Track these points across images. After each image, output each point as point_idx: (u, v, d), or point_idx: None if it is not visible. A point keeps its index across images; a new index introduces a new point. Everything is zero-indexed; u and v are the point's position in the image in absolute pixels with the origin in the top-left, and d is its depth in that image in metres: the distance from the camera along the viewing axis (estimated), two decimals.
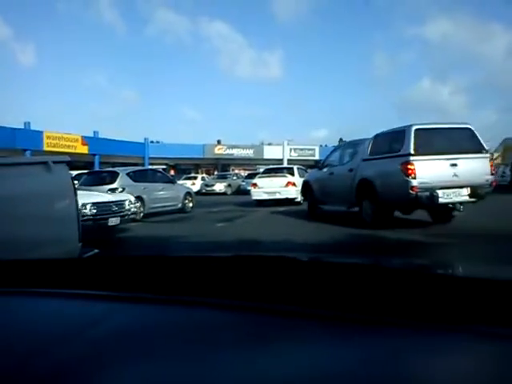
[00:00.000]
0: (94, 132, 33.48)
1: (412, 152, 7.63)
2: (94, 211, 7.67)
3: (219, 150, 42.24)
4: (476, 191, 7.83)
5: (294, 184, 15.99)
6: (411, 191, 7.46)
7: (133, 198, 9.17)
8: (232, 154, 42.50)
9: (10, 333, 0.78)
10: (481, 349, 0.66)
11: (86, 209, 7.40)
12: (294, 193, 15.79)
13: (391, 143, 8.33)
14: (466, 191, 7.76)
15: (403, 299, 0.78)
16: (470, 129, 8.23)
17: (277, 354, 0.65)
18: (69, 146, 29.34)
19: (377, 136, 9.03)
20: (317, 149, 44.96)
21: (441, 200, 7.59)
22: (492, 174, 8.24)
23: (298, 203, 15.26)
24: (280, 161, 33.15)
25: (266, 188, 16.10)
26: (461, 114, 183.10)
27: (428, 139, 7.91)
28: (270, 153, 41.88)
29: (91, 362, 0.65)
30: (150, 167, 23.22)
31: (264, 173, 18.33)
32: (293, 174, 16.81)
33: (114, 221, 8.15)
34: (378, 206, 8.13)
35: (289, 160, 33.93)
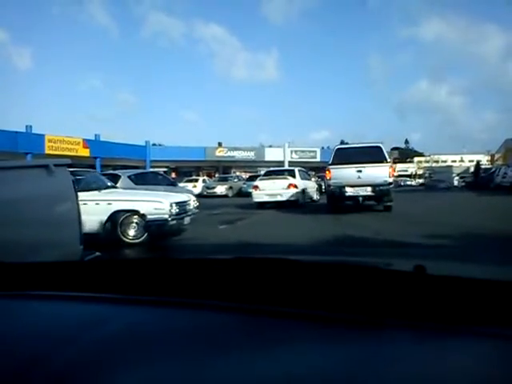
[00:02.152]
0: (96, 135, 33.51)
1: (330, 163, 12.36)
2: (178, 211, 7.54)
3: (220, 153, 42.26)
4: (376, 188, 11.64)
5: (295, 186, 15.97)
6: (328, 187, 12.31)
7: (193, 197, 9.10)
8: (233, 157, 42.52)
9: (12, 336, 0.79)
10: (478, 349, 0.67)
11: (173, 208, 7.38)
12: (296, 195, 15.78)
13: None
14: (369, 188, 11.70)
15: (400, 300, 0.78)
16: (378, 146, 12.51)
17: (276, 355, 0.65)
18: (70, 149, 29.38)
19: (335, 150, 13.29)
20: (318, 151, 44.96)
21: (349, 193, 11.83)
22: (390, 177, 11.85)
23: (301, 205, 15.25)
24: (281, 163, 33.10)
25: (268, 190, 16.04)
26: (461, 114, 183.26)
27: (343, 155, 12.27)
28: (271, 155, 41.87)
29: (93, 365, 0.65)
30: (152, 170, 23.22)
31: (265, 175, 18.28)
32: (294, 176, 16.79)
33: (187, 220, 7.97)
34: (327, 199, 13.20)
35: (290, 162, 33.88)
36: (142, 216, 7.37)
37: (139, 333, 0.76)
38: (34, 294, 0.98)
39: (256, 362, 0.64)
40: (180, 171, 41.77)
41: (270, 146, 47.67)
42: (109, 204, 7.46)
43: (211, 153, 41.79)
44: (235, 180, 30.59)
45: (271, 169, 20.56)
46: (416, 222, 9.24)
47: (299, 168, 18.64)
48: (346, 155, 12.19)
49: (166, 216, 7.30)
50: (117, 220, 7.40)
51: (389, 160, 12.42)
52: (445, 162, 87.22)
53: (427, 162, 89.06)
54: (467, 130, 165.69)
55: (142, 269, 1.03)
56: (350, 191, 11.79)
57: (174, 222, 7.44)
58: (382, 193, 11.72)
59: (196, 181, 31.49)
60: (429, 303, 0.77)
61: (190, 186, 24.78)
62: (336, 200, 12.31)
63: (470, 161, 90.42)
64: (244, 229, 9.80)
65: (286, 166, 26.86)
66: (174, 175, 33.13)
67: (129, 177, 11.61)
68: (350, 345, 0.69)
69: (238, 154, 42.71)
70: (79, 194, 7.31)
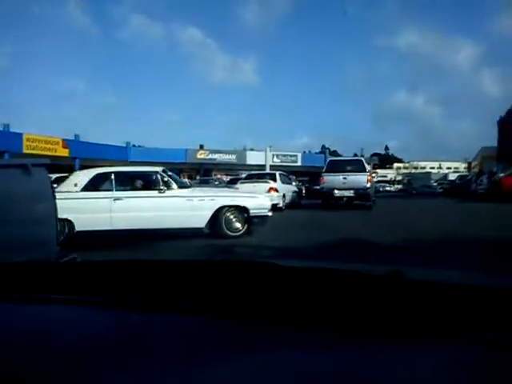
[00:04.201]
0: (75, 135, 33.03)
1: (324, 171, 16.45)
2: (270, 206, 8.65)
3: (202, 155, 42.07)
4: (357, 191, 15.25)
5: (276, 190, 15.98)
6: (322, 190, 16.15)
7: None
8: (215, 159, 42.38)
9: None
10: (455, 354, 0.67)
11: (269, 203, 8.58)
12: (276, 199, 15.80)
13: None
14: (352, 191, 15.29)
15: (377, 305, 0.78)
16: (360, 160, 17.29)
17: (259, 360, 0.65)
18: (49, 149, 28.88)
19: (328, 161, 17.92)
20: (299, 155, 45.19)
21: (336, 194, 15.45)
22: (368, 183, 15.44)
23: (280, 209, 15.28)
24: (262, 167, 33.14)
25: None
26: (439, 122, 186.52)
27: (334, 165, 16.43)
28: (253, 158, 41.86)
29: (64, 371, 0.63)
30: None
31: (246, 178, 18.30)
32: (275, 180, 16.84)
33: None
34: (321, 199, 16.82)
35: (271, 166, 33.94)
36: (246, 210, 8.02)
37: (107, 336, 0.75)
38: (5, 298, 0.95)
39: (239, 368, 0.63)
40: None
41: (252, 150, 47.68)
42: (212, 200, 7.97)
43: (192, 155, 41.58)
44: (216, 183, 30.51)
45: (252, 172, 20.60)
46: (394, 227, 9.35)
47: (280, 172, 18.71)
48: (336, 165, 16.33)
49: (267, 210, 8.24)
50: (222, 214, 7.94)
51: (367, 170, 16.37)
52: (424, 168, 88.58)
53: (406, 168, 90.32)
54: (445, 138, 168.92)
55: (116, 271, 1.01)
56: (337, 193, 15.42)
57: (271, 214, 8.38)
58: (361, 194, 15.38)
59: None
60: (405, 308, 0.77)
61: None
62: (327, 199, 15.95)
63: (448, 168, 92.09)
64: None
65: (268, 170, 26.91)
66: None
67: None
68: (328, 350, 0.69)
69: (220, 157, 42.59)
70: (181, 190, 7.98)
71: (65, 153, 30.52)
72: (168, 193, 7.69)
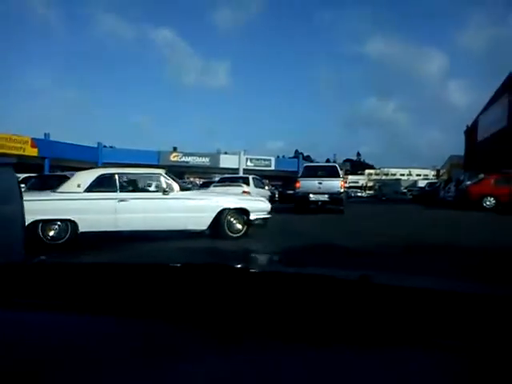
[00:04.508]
0: (45, 134, 32.24)
1: (299, 176, 16.89)
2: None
3: (175, 158, 41.72)
4: (331, 196, 15.74)
5: (249, 194, 15.98)
6: (297, 194, 16.45)
7: None
8: (188, 162, 42.09)
9: None
10: (422, 359, 0.67)
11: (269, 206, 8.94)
12: None
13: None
14: (326, 195, 15.80)
15: (344, 309, 0.79)
16: (334, 166, 17.54)
17: (211, 364, 0.64)
18: (17, 148, 28.06)
19: (304, 166, 18.29)
20: (273, 160, 45.35)
21: (311, 198, 15.90)
22: (341, 188, 16.04)
23: None
24: (236, 170, 33.13)
25: None
26: (409, 130, 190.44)
27: (309, 170, 16.98)
28: (226, 162, 41.78)
29: (27, 374, 0.62)
30: None
31: (219, 182, 18.23)
32: (248, 184, 16.84)
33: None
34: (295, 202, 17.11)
35: (245, 170, 33.97)
36: (247, 213, 8.19)
37: (69, 341, 0.73)
38: None
39: (191, 371, 0.63)
40: None
41: (226, 153, 47.62)
42: (216, 202, 8.14)
43: (165, 157, 41.19)
44: (189, 186, 30.25)
45: (226, 176, 20.52)
46: (364, 233, 9.48)
47: (253, 176, 18.72)
48: (311, 171, 16.95)
49: (266, 212, 8.53)
50: (224, 216, 8.05)
51: (341, 175, 16.79)
52: (394, 175, 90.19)
53: (377, 174, 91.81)
54: (415, 146, 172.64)
55: (82, 274, 1.00)
56: (312, 197, 15.94)
57: (270, 216, 8.64)
58: (335, 199, 15.89)
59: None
60: (373, 312, 0.77)
61: None
62: (302, 203, 16.31)
63: (418, 175, 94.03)
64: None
65: (241, 174, 26.90)
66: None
67: None
68: (290, 357, 0.68)
69: (193, 160, 42.32)
70: (183, 192, 8.00)
71: (34, 152, 29.74)
72: (171, 194, 7.76)
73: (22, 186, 10.32)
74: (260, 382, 0.61)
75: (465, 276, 4.31)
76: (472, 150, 42.00)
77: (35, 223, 6.98)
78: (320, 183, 15.80)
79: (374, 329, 0.73)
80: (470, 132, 44.15)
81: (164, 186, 7.82)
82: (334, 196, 15.80)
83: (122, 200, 7.51)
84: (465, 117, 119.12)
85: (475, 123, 42.44)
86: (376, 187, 49.41)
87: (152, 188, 8.00)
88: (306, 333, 0.74)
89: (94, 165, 34.79)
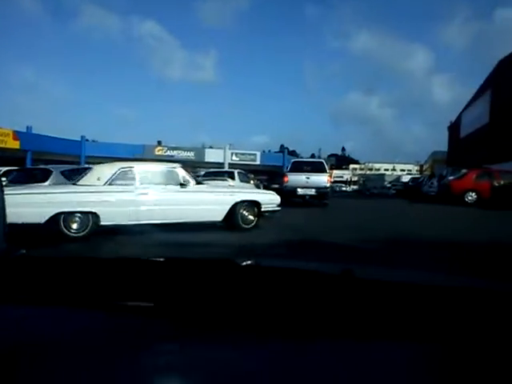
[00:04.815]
0: (27, 127, 31.71)
1: (287, 171, 17.41)
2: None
3: (159, 152, 41.43)
4: (318, 190, 16.41)
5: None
6: (285, 188, 16.51)
7: None
8: (173, 156, 41.80)
9: None
10: (405, 353, 0.67)
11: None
12: None
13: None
14: (313, 190, 16.40)
15: (327, 303, 0.79)
16: (321, 161, 18.40)
17: (195, 359, 0.64)
18: None
19: (292, 162, 18.72)
20: (258, 154, 45.33)
21: (299, 192, 16.42)
22: (328, 183, 16.86)
23: None
24: (221, 165, 33.02)
25: None
26: (393, 126, 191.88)
27: (297, 165, 17.48)
28: (212, 156, 41.64)
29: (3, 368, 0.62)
30: (87, 166, 22.35)
31: (204, 176, 18.15)
32: (233, 178, 16.81)
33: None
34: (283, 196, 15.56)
35: (230, 164, 33.89)
36: (259, 205, 8.62)
37: (49, 335, 0.73)
38: None
39: (173, 366, 0.63)
40: None
41: (211, 148, 47.45)
42: (231, 195, 8.50)
43: (150, 151, 40.87)
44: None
45: (211, 170, 20.47)
46: (348, 226, 9.55)
47: (239, 170, 18.68)
48: (299, 166, 17.54)
49: (276, 205, 9.01)
50: (240, 208, 8.44)
51: (328, 171, 17.44)
52: (378, 170, 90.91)
53: (362, 169, 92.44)
54: (399, 141, 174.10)
55: (67, 268, 0.99)
56: (300, 191, 16.50)
57: (279, 209, 9.09)
58: (322, 193, 16.56)
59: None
60: (355, 306, 0.78)
61: None
62: (290, 196, 16.42)
63: (402, 170, 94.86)
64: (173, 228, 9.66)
65: (226, 168, 26.84)
66: None
67: (62, 172, 11.12)
68: (276, 350, 0.68)
69: (178, 154, 42.07)
70: (198, 186, 8.40)
71: (15, 145, 29.25)
72: (188, 188, 8.09)
73: (4, 179, 10.26)
74: (240, 373, 0.61)
75: (446, 269, 4.38)
76: (455, 146, 42.55)
77: (57, 216, 7.11)
78: (307, 178, 16.48)
79: (356, 323, 0.74)
80: (454, 128, 44.71)
81: (181, 179, 8.10)
82: (321, 190, 16.44)
83: (142, 193, 7.74)
84: (449, 113, 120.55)
85: (458, 119, 42.97)
86: (360, 182, 49.72)
87: (169, 182, 8.13)
88: (287, 327, 0.74)
89: (76, 158, 34.40)
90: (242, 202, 8.51)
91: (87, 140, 40.27)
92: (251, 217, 8.61)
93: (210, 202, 8.21)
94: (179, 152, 42.18)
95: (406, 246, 6.63)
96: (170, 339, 0.71)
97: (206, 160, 41.36)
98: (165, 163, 9.20)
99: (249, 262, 1.08)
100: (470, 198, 18.25)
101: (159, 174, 8.27)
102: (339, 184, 57.62)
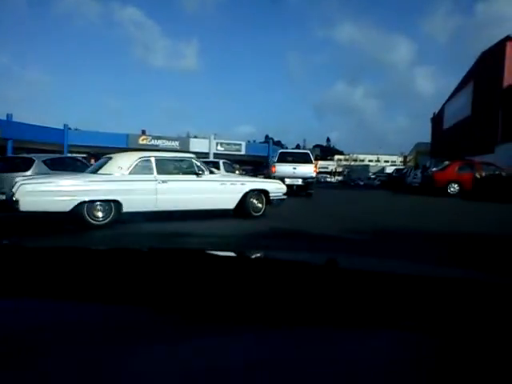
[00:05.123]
0: (8, 115, 31.11)
1: (275, 161, 17.71)
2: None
3: (143, 141, 41.09)
4: (304, 180, 16.91)
5: None
6: (273, 178, 14.47)
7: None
8: (157, 146, 41.49)
9: None
10: (388, 342, 0.68)
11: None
12: None
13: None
14: (300, 180, 16.86)
15: (312, 293, 0.79)
16: (307, 152, 18.80)
17: (178, 350, 0.64)
18: None
19: (279, 152, 18.82)
20: (243, 144, 45.30)
21: (287, 182, 14.76)
22: (314, 173, 17.43)
23: None
24: (206, 154, 32.93)
25: None
26: (378, 117, 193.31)
27: (284, 156, 17.94)
28: (197, 146, 41.45)
29: None
30: (70, 155, 22.11)
31: None
32: (218, 168, 16.77)
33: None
34: None
35: (215, 154, 33.83)
36: (267, 194, 9.06)
37: (25, 326, 0.71)
38: None
39: (159, 358, 0.62)
40: (100, 158, 40.10)
41: (196, 137, 47.24)
42: (242, 184, 8.92)
43: (134, 140, 40.52)
44: None
45: None
46: (332, 217, 9.62)
47: (224, 160, 18.69)
48: (286, 156, 17.96)
49: (282, 194, 9.41)
50: (250, 196, 8.89)
51: (313, 161, 18.01)
52: (363, 161, 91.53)
53: (346, 160, 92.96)
54: (383, 132, 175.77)
55: (48, 258, 0.97)
56: (288, 181, 16.09)
57: (285, 197, 9.57)
58: (308, 183, 17.15)
59: None
60: (340, 297, 0.78)
61: None
62: None
63: (386, 161, 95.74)
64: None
65: (211, 158, 26.77)
66: (93, 162, 31.49)
67: (44, 161, 10.97)
68: (258, 340, 0.68)
69: (162, 143, 41.79)
70: (212, 175, 8.88)
71: None
72: (203, 177, 8.49)
73: None
74: (222, 364, 0.61)
75: (428, 259, 4.44)
76: (438, 137, 43.05)
77: (81, 204, 7.28)
78: (295, 168, 17.09)
79: (339, 312, 0.74)
80: (437, 120, 45.19)
81: (196, 169, 8.51)
82: (308, 180, 17.11)
83: (162, 181, 8.04)
84: (432, 104, 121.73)
85: (442, 111, 43.43)
86: (345, 173, 50.09)
87: (186, 171, 8.50)
88: (272, 316, 0.74)
89: (59, 147, 33.94)
90: (252, 190, 8.93)
91: (70, 129, 39.75)
92: (260, 205, 9.05)
93: (223, 191, 8.62)
94: (164, 141, 41.91)
95: (388, 236, 6.71)
96: (167, 331, 0.71)
97: (191, 150, 41.12)
98: (181, 153, 9.69)
99: (233, 254, 1.08)
100: (452, 189, 18.51)
101: (176, 163, 8.62)
102: (324, 175, 57.85)
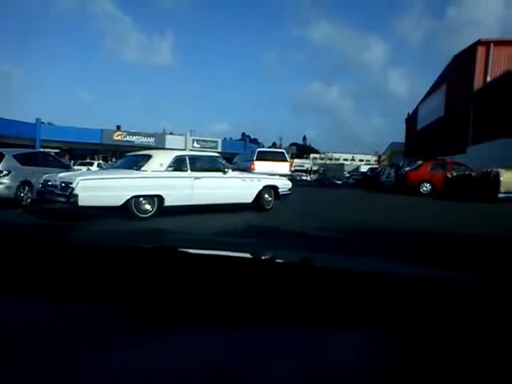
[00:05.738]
0: None
1: (254, 159, 18.73)
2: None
3: (118, 137, 40.47)
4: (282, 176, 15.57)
5: None
6: None
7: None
8: (132, 142, 40.95)
9: None
10: (361, 339, 0.69)
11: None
12: None
13: (250, 155, 19.71)
14: (278, 176, 14.84)
15: (285, 292, 0.79)
16: (283, 151, 20.95)
17: (159, 347, 0.64)
18: None
19: (257, 151, 20.04)
20: (219, 141, 45.13)
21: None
22: (289, 171, 19.00)
23: None
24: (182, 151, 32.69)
25: None
26: (352, 116, 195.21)
27: (263, 154, 19.32)
28: (172, 142, 41.05)
29: None
30: (42, 150, 21.61)
31: None
32: None
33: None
34: None
35: (191, 151, 33.61)
36: (276, 189, 10.24)
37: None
38: None
39: (144, 355, 0.62)
40: (73, 153, 39.30)
41: (171, 134, 46.77)
42: (259, 181, 9.99)
43: (108, 136, 39.88)
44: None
45: None
46: (306, 215, 9.69)
47: None
48: (264, 154, 19.45)
49: (287, 189, 10.63)
50: (264, 191, 9.95)
51: (289, 160, 19.99)
52: (338, 159, 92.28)
53: (322, 158, 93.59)
54: (358, 132, 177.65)
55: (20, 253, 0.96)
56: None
57: (291, 192, 10.79)
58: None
59: (91, 164, 29.91)
60: (313, 295, 0.79)
61: (84, 169, 23.49)
62: None
63: (361, 160, 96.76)
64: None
65: None
66: (67, 157, 30.73)
67: (14, 156, 10.67)
68: (233, 337, 0.69)
69: (137, 139, 41.23)
70: (233, 173, 9.87)
71: None
72: (228, 174, 9.37)
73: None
74: (192, 359, 0.62)
75: (399, 256, 4.52)
76: (412, 138, 43.74)
77: (131, 199, 7.84)
78: (272, 166, 18.32)
79: (313, 310, 0.75)
80: (411, 120, 45.91)
81: (222, 166, 9.39)
82: (283, 176, 18.15)
83: (195, 178, 8.75)
84: (407, 105, 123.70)
85: (416, 112, 44.12)
86: (320, 171, 50.36)
87: (214, 168, 9.26)
88: (245, 314, 0.75)
89: (31, 142, 33.14)
90: (266, 186, 10.01)
91: (43, 123, 38.84)
92: (270, 199, 10.15)
93: (244, 187, 9.61)
94: (139, 137, 41.36)
95: (361, 233, 6.80)
96: (156, 329, 0.71)
97: (167, 146, 40.71)
98: (208, 152, 10.82)
99: (214, 252, 1.08)
100: (424, 188, 18.85)
101: (206, 161, 9.48)
102: (300, 173, 57.98)
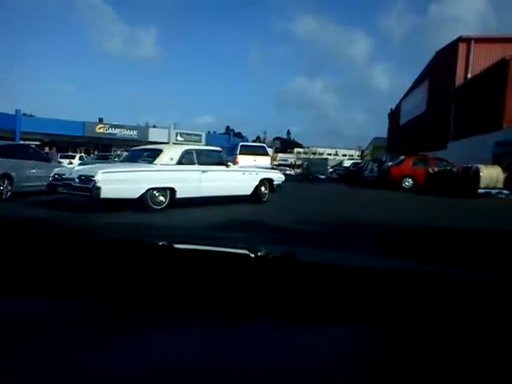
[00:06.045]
0: None
1: (237, 153, 19.24)
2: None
3: (100, 129, 39.92)
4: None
5: None
6: None
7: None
8: (115, 134, 40.45)
9: None
10: (345, 333, 0.69)
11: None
12: None
13: (234, 149, 20.18)
14: (274, 170, 15.80)
15: (268, 286, 0.80)
16: (264, 146, 22.44)
17: (142, 344, 0.64)
18: None
19: (240, 145, 20.76)
20: (203, 135, 44.87)
21: None
22: (270, 164, 19.56)
23: None
24: (165, 144, 32.39)
25: None
26: (336, 111, 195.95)
27: (245, 148, 20.12)
28: (156, 135, 40.65)
29: None
30: (21, 143, 21.23)
31: None
32: None
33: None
34: None
35: (174, 144, 33.37)
36: (271, 181, 10.88)
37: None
38: None
39: (125, 351, 0.63)
40: (55, 146, 38.68)
41: (154, 127, 46.35)
42: (256, 174, 10.58)
43: (91, 128, 39.31)
44: (115, 159, 29.16)
45: None
46: (289, 209, 9.74)
47: None
48: (247, 149, 20.26)
49: (281, 181, 11.39)
50: (261, 184, 10.52)
51: (269, 154, 21.38)
52: (321, 154, 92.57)
53: (306, 153, 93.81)
54: (342, 127, 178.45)
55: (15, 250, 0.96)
56: None
57: (284, 184, 11.59)
58: None
59: (72, 157, 29.46)
60: (296, 289, 0.79)
61: (65, 162, 23.15)
62: None
63: (344, 155, 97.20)
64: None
65: None
66: (47, 150, 30.15)
67: None
68: (215, 332, 0.69)
69: (120, 132, 40.73)
70: (234, 166, 10.57)
71: None
72: (230, 168, 9.96)
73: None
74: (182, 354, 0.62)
75: (379, 249, 4.59)
76: (395, 133, 44.09)
77: (147, 191, 8.15)
78: (254, 160, 18.96)
79: (296, 305, 0.75)
80: (394, 115, 46.25)
81: (225, 160, 9.94)
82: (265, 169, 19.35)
83: (202, 171, 9.09)
84: (390, 100, 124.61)
85: (398, 107, 44.45)
86: (304, 166, 50.45)
87: (217, 162, 9.67)
88: (227, 309, 0.75)
89: (10, 134, 32.47)
90: (263, 179, 10.57)
91: (25, 114, 38.09)
92: (266, 191, 10.74)
93: (245, 180, 10.14)
94: (121, 130, 40.86)
95: (343, 227, 6.88)
96: (146, 325, 0.71)
97: (150, 139, 40.28)
98: (212, 147, 11.19)
99: (194, 247, 1.08)
100: (407, 183, 19.05)
101: (211, 155, 9.83)
102: (283, 167, 57.95)
